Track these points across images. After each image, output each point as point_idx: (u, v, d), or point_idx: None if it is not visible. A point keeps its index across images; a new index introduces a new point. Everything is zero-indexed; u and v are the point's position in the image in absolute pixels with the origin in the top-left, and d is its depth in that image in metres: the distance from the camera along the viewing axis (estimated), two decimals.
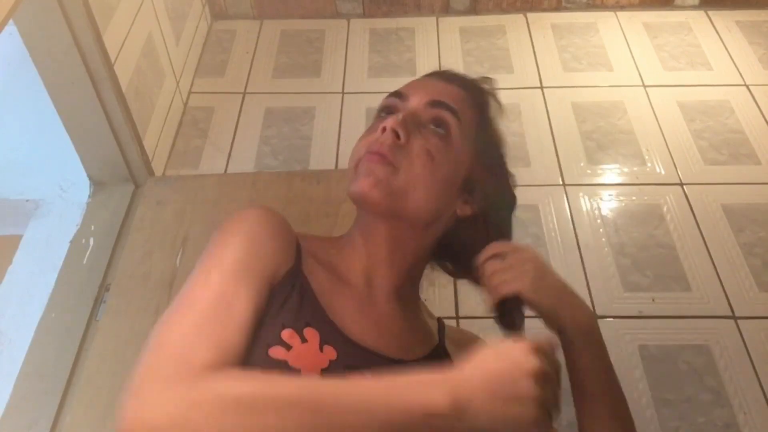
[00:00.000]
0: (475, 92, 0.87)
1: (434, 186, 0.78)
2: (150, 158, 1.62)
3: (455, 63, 2.03)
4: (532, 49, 2.07)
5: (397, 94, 0.83)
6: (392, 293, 0.82)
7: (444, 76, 0.88)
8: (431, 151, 0.78)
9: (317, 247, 0.81)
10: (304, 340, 0.68)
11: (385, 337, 0.77)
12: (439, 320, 0.90)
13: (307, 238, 0.81)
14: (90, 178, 1.56)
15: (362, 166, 0.78)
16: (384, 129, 0.77)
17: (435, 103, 0.81)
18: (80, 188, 1.56)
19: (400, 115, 0.78)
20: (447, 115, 0.80)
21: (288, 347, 0.67)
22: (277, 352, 0.66)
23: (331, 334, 0.71)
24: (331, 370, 0.67)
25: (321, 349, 0.69)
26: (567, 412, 1.16)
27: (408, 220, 0.80)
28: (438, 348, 0.83)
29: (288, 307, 0.71)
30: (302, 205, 1.41)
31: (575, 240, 1.56)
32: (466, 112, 0.82)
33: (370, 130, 0.82)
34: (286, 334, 0.68)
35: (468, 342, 0.87)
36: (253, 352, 0.66)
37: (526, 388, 0.56)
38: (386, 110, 0.83)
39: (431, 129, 0.79)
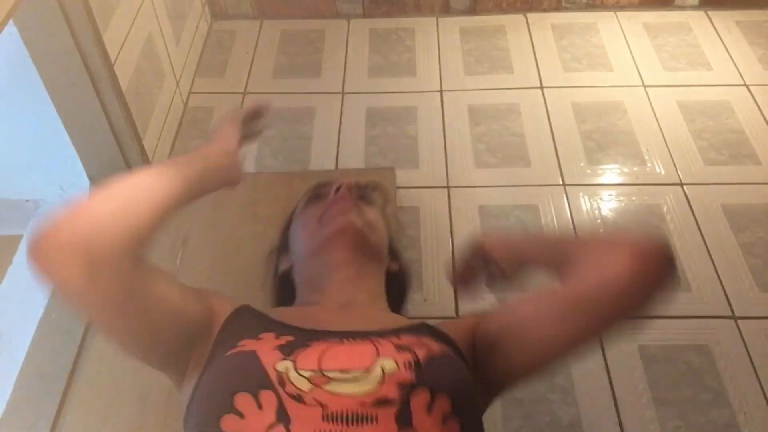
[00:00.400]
0: (377, 188, 1.16)
1: (383, 232, 1.04)
2: (150, 158, 1.62)
3: (455, 63, 2.03)
4: (532, 49, 2.07)
5: (321, 186, 1.09)
6: (369, 306, 0.95)
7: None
8: (374, 211, 1.06)
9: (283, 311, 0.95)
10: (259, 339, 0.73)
11: (359, 322, 0.83)
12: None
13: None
14: (90, 178, 1.56)
15: (331, 212, 0.98)
16: (338, 188, 1.00)
17: (359, 186, 1.07)
18: (80, 188, 1.56)
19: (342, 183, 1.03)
20: (370, 192, 1.09)
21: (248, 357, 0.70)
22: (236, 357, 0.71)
23: (286, 329, 0.76)
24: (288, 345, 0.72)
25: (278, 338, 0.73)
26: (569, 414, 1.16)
27: (372, 254, 0.98)
28: (422, 324, 0.84)
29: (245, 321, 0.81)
30: None
31: None
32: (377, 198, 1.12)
33: (308, 213, 1.05)
34: (244, 342, 0.72)
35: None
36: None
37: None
38: (316, 198, 1.08)
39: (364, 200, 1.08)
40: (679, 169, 1.71)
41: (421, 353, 0.69)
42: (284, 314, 0.83)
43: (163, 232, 1.48)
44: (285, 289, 1.06)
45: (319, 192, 1.08)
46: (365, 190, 1.09)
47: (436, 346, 0.73)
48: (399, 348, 0.70)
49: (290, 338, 0.72)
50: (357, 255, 0.95)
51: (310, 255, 0.97)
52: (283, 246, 1.10)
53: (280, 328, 0.76)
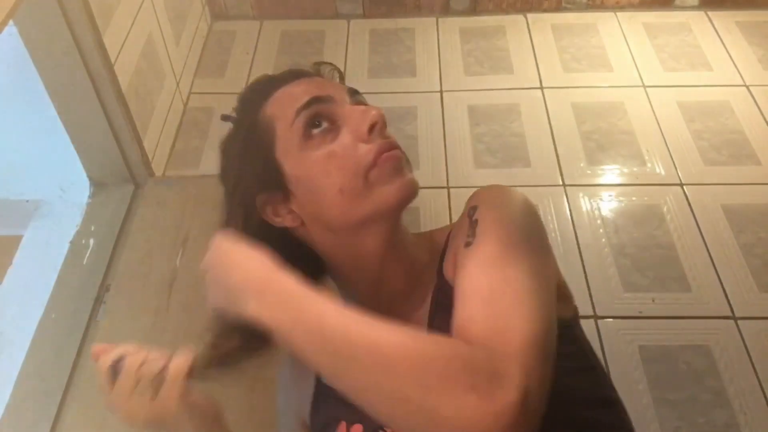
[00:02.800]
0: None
1: None
2: (150, 159, 1.62)
3: (455, 63, 2.03)
4: (532, 49, 2.07)
5: (319, 99, 0.69)
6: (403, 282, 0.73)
7: (318, 72, 0.79)
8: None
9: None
10: None
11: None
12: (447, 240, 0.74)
13: None
14: (90, 178, 1.56)
15: (386, 166, 0.66)
16: (371, 127, 0.67)
17: (351, 92, 0.74)
18: (80, 189, 1.56)
19: (371, 110, 0.69)
20: (364, 100, 0.75)
21: None
22: None
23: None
24: None
25: None
26: None
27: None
28: (436, 284, 0.72)
29: None
30: None
31: (575, 240, 1.56)
32: None
33: (330, 137, 0.68)
34: None
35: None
36: None
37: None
38: (320, 117, 0.69)
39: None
40: (679, 170, 1.71)
41: None
42: None
43: (163, 233, 1.49)
44: (299, 256, 0.69)
45: (320, 110, 0.69)
46: (358, 97, 0.76)
47: None
48: None
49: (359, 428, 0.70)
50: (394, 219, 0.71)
51: (353, 225, 0.68)
52: (267, 180, 0.71)
53: (347, 409, 0.62)
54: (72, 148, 1.49)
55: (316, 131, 0.68)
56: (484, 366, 0.50)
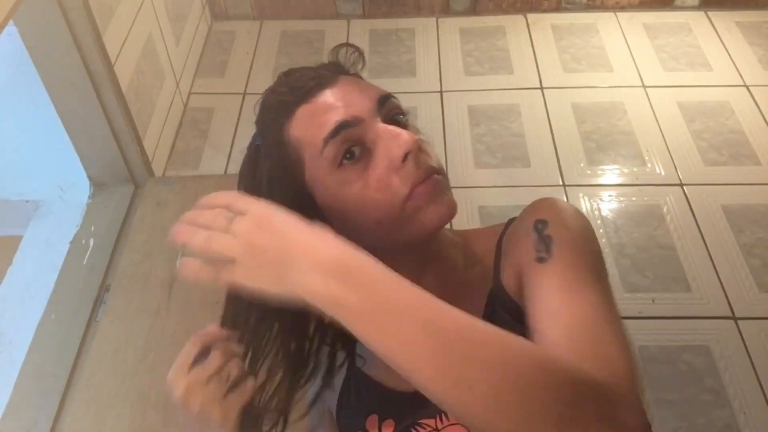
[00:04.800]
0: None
1: None
2: (150, 159, 1.62)
3: (455, 63, 2.03)
4: (532, 49, 2.07)
5: (347, 125, 0.64)
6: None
7: (340, 68, 0.75)
8: (426, 142, 0.68)
9: None
10: None
11: None
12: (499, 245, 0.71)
13: None
14: (90, 178, 1.56)
15: (422, 198, 0.63)
16: (405, 154, 0.63)
17: (382, 100, 0.67)
18: (80, 189, 1.56)
19: (403, 137, 0.63)
20: (397, 102, 0.70)
21: None
22: None
23: (387, 406, 0.71)
24: None
25: None
26: None
27: None
28: (491, 292, 0.69)
29: None
30: None
31: None
32: None
33: (362, 166, 0.64)
34: None
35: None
36: None
37: None
38: (350, 143, 0.64)
39: (399, 120, 0.68)
40: (679, 170, 1.71)
41: None
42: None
43: (163, 233, 1.49)
44: None
45: (347, 137, 0.64)
46: (390, 103, 0.69)
47: None
48: None
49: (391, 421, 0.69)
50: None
51: (388, 248, 0.65)
52: (301, 208, 0.60)
53: (381, 403, 0.65)
54: (72, 148, 1.49)
55: (347, 162, 0.64)
56: (608, 393, 0.47)
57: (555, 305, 0.56)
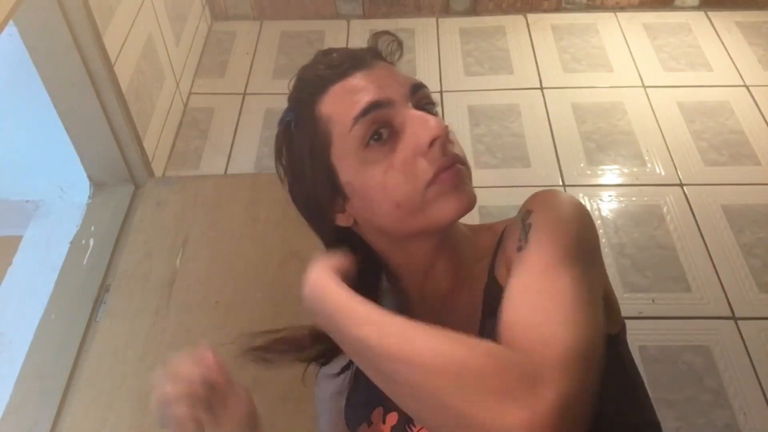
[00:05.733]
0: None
1: None
2: (150, 159, 1.62)
3: (455, 64, 2.03)
4: (532, 50, 2.07)
5: (378, 104, 0.65)
6: (448, 286, 0.73)
7: (377, 54, 0.75)
8: (452, 133, 0.69)
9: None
10: None
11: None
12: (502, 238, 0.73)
13: None
14: (90, 178, 1.56)
15: (445, 184, 0.65)
16: (433, 139, 0.64)
17: (414, 88, 0.69)
18: (80, 189, 1.56)
19: (431, 121, 0.64)
20: (428, 92, 0.71)
21: None
22: None
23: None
24: None
25: None
26: None
27: None
28: (486, 286, 0.71)
29: None
30: None
31: None
32: None
33: (389, 148, 0.65)
34: None
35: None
36: None
37: None
38: (379, 125, 0.65)
39: (429, 110, 0.69)
40: (679, 170, 1.71)
41: None
42: None
43: (163, 233, 1.49)
44: (363, 260, 0.71)
45: (376, 117, 0.65)
46: (421, 92, 0.70)
47: None
48: None
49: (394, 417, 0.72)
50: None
51: (406, 234, 0.68)
52: (327, 185, 0.69)
53: (387, 396, 0.62)
54: (72, 148, 1.49)
55: (374, 143, 0.65)
56: (521, 371, 0.48)
57: (519, 289, 0.57)
